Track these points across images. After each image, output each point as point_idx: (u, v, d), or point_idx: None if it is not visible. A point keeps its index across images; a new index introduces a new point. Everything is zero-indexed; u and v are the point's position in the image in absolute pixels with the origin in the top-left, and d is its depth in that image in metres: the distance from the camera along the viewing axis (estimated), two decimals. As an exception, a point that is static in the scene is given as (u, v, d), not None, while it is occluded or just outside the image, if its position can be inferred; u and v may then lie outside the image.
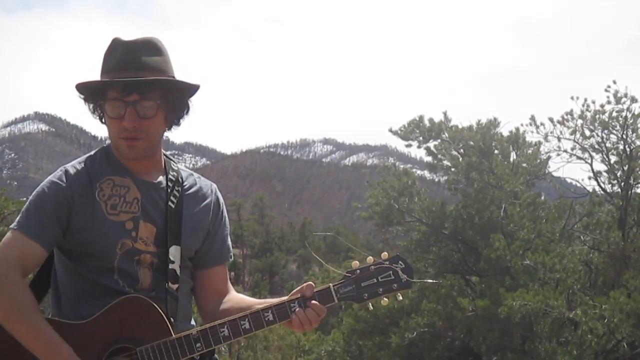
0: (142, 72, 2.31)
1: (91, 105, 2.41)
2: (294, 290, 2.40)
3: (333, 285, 2.38)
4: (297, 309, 2.34)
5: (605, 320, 13.99)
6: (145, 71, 2.32)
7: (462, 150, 19.03)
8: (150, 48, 2.37)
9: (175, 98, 2.40)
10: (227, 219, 2.61)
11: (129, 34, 2.40)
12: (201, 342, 2.31)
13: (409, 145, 19.83)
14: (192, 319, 2.54)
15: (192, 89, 2.43)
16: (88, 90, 2.37)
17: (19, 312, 2.23)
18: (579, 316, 14.20)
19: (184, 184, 2.51)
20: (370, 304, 2.41)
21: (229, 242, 2.60)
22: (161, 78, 2.34)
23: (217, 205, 2.56)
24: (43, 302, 2.55)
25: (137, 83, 2.30)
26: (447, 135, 19.16)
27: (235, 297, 2.56)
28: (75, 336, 2.27)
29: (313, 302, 2.35)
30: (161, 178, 2.47)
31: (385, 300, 2.39)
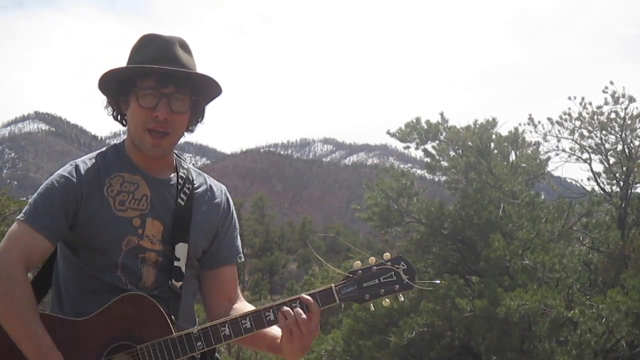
0: (179, 67, 2.33)
1: (110, 98, 2.39)
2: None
3: (335, 286, 2.35)
4: (297, 309, 2.29)
5: (603, 320, 14.00)
6: (181, 66, 2.33)
7: (460, 151, 19.04)
8: (184, 45, 2.39)
9: (203, 99, 2.43)
10: (236, 220, 2.59)
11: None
12: (202, 340, 2.28)
13: (407, 147, 19.86)
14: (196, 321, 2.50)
15: (218, 92, 2.43)
16: (117, 78, 2.34)
17: (15, 310, 2.20)
18: (577, 316, 14.22)
19: (194, 182, 2.49)
20: (371, 304, 2.40)
21: (239, 244, 2.57)
22: (204, 74, 2.36)
23: (227, 206, 2.54)
24: (45, 300, 2.53)
25: (175, 75, 2.30)
26: (444, 136, 19.18)
27: (247, 306, 2.50)
28: (75, 333, 2.25)
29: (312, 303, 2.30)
30: (172, 175, 2.46)
31: (386, 301, 2.38)
